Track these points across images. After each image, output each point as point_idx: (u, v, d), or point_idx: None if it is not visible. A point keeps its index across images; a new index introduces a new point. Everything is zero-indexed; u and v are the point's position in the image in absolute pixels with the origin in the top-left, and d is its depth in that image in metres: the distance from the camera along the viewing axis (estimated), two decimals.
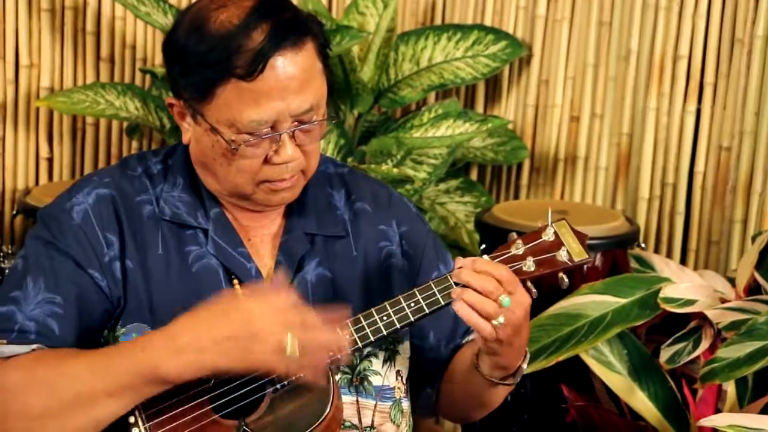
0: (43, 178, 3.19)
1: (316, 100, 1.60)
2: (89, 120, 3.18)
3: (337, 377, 1.65)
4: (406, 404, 1.75)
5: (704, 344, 2.21)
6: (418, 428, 1.84)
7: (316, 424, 1.55)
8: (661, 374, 2.26)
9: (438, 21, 3.17)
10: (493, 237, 2.65)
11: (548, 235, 1.63)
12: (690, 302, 2.24)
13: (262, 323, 1.49)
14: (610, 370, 2.27)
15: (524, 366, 1.68)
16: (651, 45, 2.93)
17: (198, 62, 1.56)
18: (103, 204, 1.65)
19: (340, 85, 2.84)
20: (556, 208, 2.74)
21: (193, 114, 1.61)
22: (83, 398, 1.51)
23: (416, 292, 1.60)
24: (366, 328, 1.59)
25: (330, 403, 1.56)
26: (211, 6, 1.58)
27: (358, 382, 1.69)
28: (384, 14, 2.86)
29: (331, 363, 1.56)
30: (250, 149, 1.59)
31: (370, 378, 1.70)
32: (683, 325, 2.29)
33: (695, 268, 2.89)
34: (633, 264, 2.49)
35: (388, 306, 1.59)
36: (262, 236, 1.71)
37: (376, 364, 1.71)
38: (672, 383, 2.26)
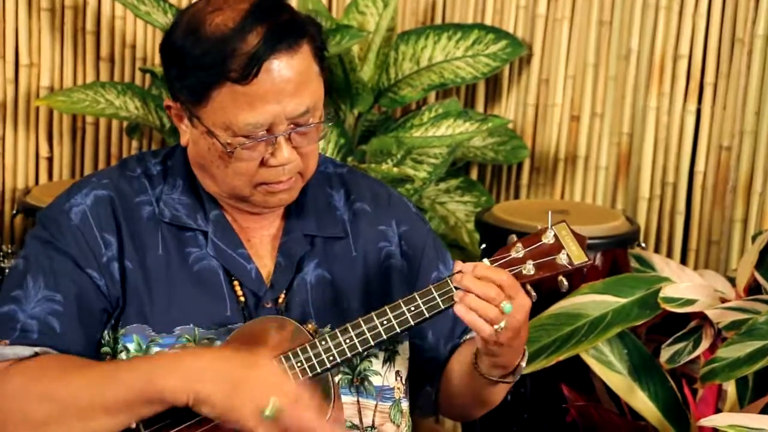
0: (43, 177, 3.19)
1: (313, 103, 1.59)
2: (89, 119, 3.18)
3: (338, 378, 1.65)
4: (405, 404, 1.75)
5: (704, 344, 2.21)
6: (417, 428, 1.83)
7: None
8: (662, 374, 2.25)
9: (438, 20, 3.17)
10: (494, 237, 2.65)
11: (548, 238, 1.62)
12: (690, 302, 2.23)
13: (260, 373, 1.49)
14: (611, 369, 2.27)
15: (523, 364, 1.68)
16: (651, 44, 2.93)
17: (193, 65, 1.56)
18: (101, 205, 1.65)
19: (340, 85, 2.84)
20: (557, 208, 2.74)
21: (190, 117, 1.61)
22: (83, 411, 1.51)
23: (416, 296, 1.59)
24: (366, 332, 1.58)
25: (330, 405, 1.56)
26: (207, 9, 1.58)
27: (359, 383, 1.69)
28: (384, 13, 2.85)
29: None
30: (246, 152, 1.58)
31: (370, 378, 1.70)
32: (683, 324, 2.29)
33: (695, 268, 2.89)
34: (633, 264, 2.48)
35: (388, 310, 1.59)
36: (261, 237, 1.71)
37: (376, 364, 1.71)
38: (672, 383, 2.25)
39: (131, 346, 1.61)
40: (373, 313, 1.58)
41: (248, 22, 1.55)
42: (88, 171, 3.20)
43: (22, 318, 1.59)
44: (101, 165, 3.21)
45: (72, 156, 3.21)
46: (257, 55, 1.53)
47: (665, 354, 2.23)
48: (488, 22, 3.10)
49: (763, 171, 2.83)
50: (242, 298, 1.66)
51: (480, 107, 3.17)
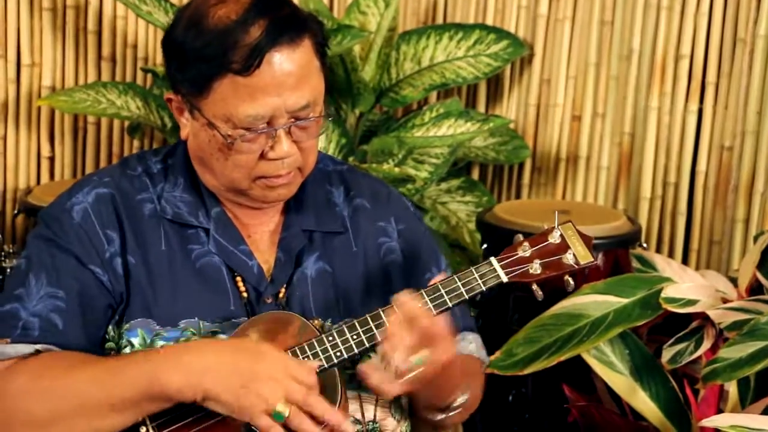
0: (45, 177, 3.20)
1: (313, 97, 1.60)
2: (90, 119, 3.18)
3: (343, 375, 1.65)
4: (404, 400, 1.76)
5: (706, 344, 2.21)
6: (418, 428, 1.84)
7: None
8: (663, 374, 2.25)
9: (439, 20, 3.17)
10: (495, 237, 2.65)
11: (555, 238, 1.63)
12: (692, 302, 2.23)
13: (267, 366, 1.49)
14: (612, 370, 2.26)
15: (459, 401, 1.68)
16: (653, 44, 2.93)
17: (195, 57, 1.57)
18: (102, 202, 1.66)
19: (342, 85, 2.84)
20: (558, 208, 2.73)
21: (191, 109, 1.62)
22: (87, 409, 1.51)
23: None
24: (374, 329, 1.58)
25: (338, 401, 1.56)
26: (210, 2, 1.59)
27: (361, 378, 1.69)
28: (385, 13, 2.86)
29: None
30: (246, 144, 1.59)
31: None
32: (685, 325, 2.28)
33: (697, 268, 2.89)
34: (635, 264, 2.48)
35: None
36: (262, 233, 1.72)
37: (376, 360, 1.71)
38: (674, 383, 2.25)
39: (136, 341, 1.61)
40: (380, 309, 1.59)
41: (251, 15, 1.56)
42: (89, 170, 3.20)
43: (24, 316, 1.59)
44: (102, 165, 3.21)
45: (73, 156, 3.21)
46: (259, 47, 1.54)
47: (667, 354, 2.23)
48: (490, 22, 3.10)
49: (764, 171, 2.83)
50: (245, 294, 1.66)
51: (481, 107, 3.17)
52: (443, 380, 1.61)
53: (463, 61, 2.99)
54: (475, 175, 3.20)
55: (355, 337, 1.58)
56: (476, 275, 1.60)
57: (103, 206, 1.65)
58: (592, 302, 2.26)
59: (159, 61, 3.16)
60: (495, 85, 3.17)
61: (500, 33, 3.01)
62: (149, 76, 3.08)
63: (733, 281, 2.41)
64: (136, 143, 3.20)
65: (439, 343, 1.55)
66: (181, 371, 1.48)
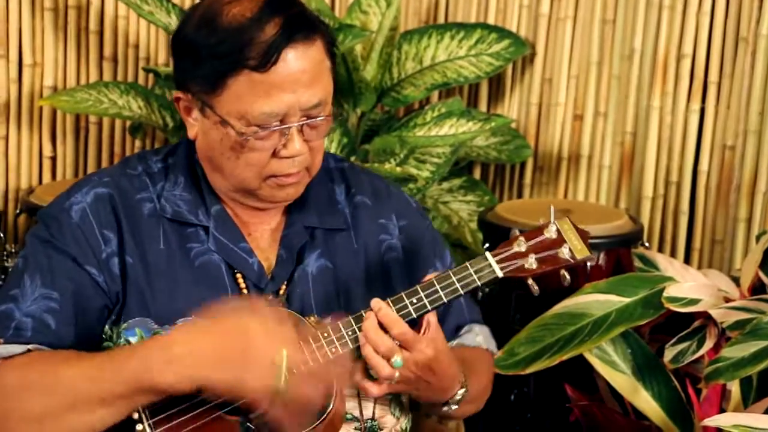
0: (47, 177, 3.19)
1: (325, 96, 1.62)
2: (92, 119, 3.18)
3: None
4: (404, 397, 1.76)
5: (708, 344, 2.20)
6: (420, 428, 1.84)
7: (321, 419, 1.55)
8: (665, 374, 2.25)
9: (441, 19, 3.17)
10: (497, 236, 2.65)
11: (550, 233, 1.63)
12: (694, 301, 2.23)
13: (257, 342, 1.49)
14: (614, 369, 2.26)
15: (458, 396, 1.69)
16: (655, 43, 2.92)
17: (210, 54, 1.58)
18: (100, 202, 1.66)
19: (343, 84, 2.83)
20: (560, 207, 2.74)
21: (202, 107, 1.62)
22: (78, 404, 1.52)
23: (418, 288, 1.60)
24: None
25: (333, 397, 1.56)
26: (223, 0, 1.61)
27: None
28: (387, 13, 2.85)
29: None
30: (259, 142, 1.60)
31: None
32: (687, 324, 2.28)
33: (699, 268, 2.89)
34: (637, 263, 2.48)
35: (404, 296, 1.59)
36: (262, 231, 1.73)
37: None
38: (676, 383, 2.25)
39: (133, 340, 1.62)
40: (389, 299, 1.59)
41: (265, 13, 1.58)
42: (91, 170, 3.20)
43: (18, 316, 1.60)
44: (104, 164, 3.21)
45: (75, 155, 3.21)
46: (276, 44, 1.56)
47: (669, 354, 2.22)
48: (491, 21, 3.09)
49: (767, 170, 2.83)
50: (245, 291, 1.67)
51: (483, 107, 3.17)
52: (435, 378, 1.61)
53: (464, 61, 2.98)
54: (477, 174, 3.20)
55: (350, 333, 1.59)
56: (471, 270, 1.61)
57: (102, 206, 1.66)
58: (594, 302, 2.26)
59: (161, 61, 3.16)
60: (497, 85, 3.16)
61: (502, 32, 3.01)
62: (151, 76, 3.08)
63: (736, 281, 2.40)
64: (137, 143, 3.20)
65: (415, 346, 1.56)
66: (172, 367, 1.48)
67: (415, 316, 1.58)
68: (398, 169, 2.71)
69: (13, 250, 2.87)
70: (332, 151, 2.75)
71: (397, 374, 1.56)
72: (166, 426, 1.54)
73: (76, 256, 1.62)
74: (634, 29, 2.95)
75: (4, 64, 3.10)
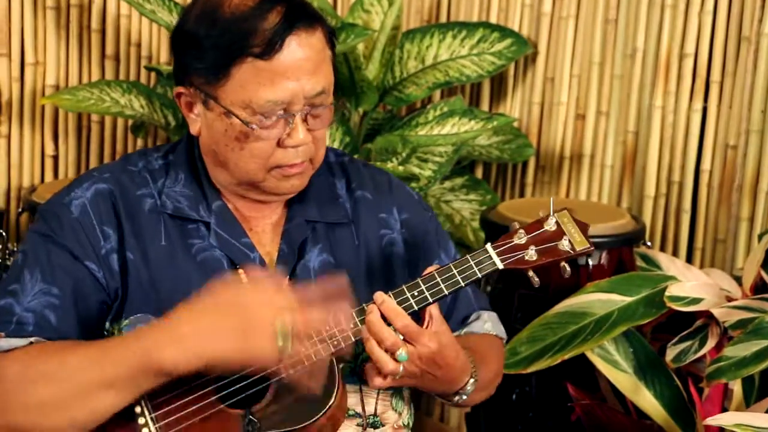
0: (49, 175, 3.20)
1: (327, 85, 1.63)
2: (94, 118, 3.19)
3: (340, 366, 1.65)
4: (406, 392, 1.76)
5: (710, 343, 2.21)
6: (422, 426, 1.84)
7: (322, 412, 1.56)
8: (667, 373, 2.25)
9: (443, 19, 3.17)
10: (499, 235, 2.62)
11: (550, 225, 1.63)
12: (696, 301, 2.23)
13: (256, 312, 1.50)
14: (616, 368, 2.26)
15: (469, 387, 1.69)
16: (657, 43, 2.92)
17: (213, 45, 1.59)
18: (101, 198, 1.66)
19: (346, 83, 2.83)
20: (562, 207, 2.74)
21: (205, 99, 1.63)
22: (83, 390, 1.51)
23: (419, 281, 1.60)
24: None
25: (335, 391, 1.56)
26: None
27: (361, 371, 1.69)
28: (389, 12, 2.85)
29: (334, 353, 1.56)
30: (263, 131, 1.60)
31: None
32: (689, 323, 2.28)
33: (701, 267, 2.88)
34: (639, 262, 2.48)
35: (406, 290, 1.59)
36: (264, 226, 1.73)
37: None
38: (678, 382, 2.25)
39: None
40: (390, 292, 1.59)
41: (267, 2, 1.59)
42: None
43: (19, 311, 1.60)
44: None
45: (77, 154, 3.21)
46: (279, 31, 1.57)
47: (671, 353, 2.23)
48: (493, 20, 3.09)
49: None
50: None
51: (485, 106, 3.17)
52: (441, 371, 1.61)
53: (466, 60, 2.98)
54: (479, 173, 3.20)
55: (352, 326, 1.59)
56: (472, 262, 1.61)
57: (102, 202, 1.66)
58: (597, 301, 2.26)
59: (163, 60, 3.16)
60: (499, 84, 3.16)
61: (504, 31, 3.01)
62: (153, 74, 3.08)
63: (738, 280, 2.40)
64: (139, 142, 3.20)
65: (419, 339, 1.56)
66: (176, 346, 1.49)
67: (416, 308, 1.58)
68: (400, 168, 2.72)
69: (15, 249, 2.87)
70: None
71: (401, 369, 1.56)
72: (168, 420, 1.54)
73: (75, 251, 1.63)
74: (637, 28, 2.94)
75: (6, 63, 3.10)
